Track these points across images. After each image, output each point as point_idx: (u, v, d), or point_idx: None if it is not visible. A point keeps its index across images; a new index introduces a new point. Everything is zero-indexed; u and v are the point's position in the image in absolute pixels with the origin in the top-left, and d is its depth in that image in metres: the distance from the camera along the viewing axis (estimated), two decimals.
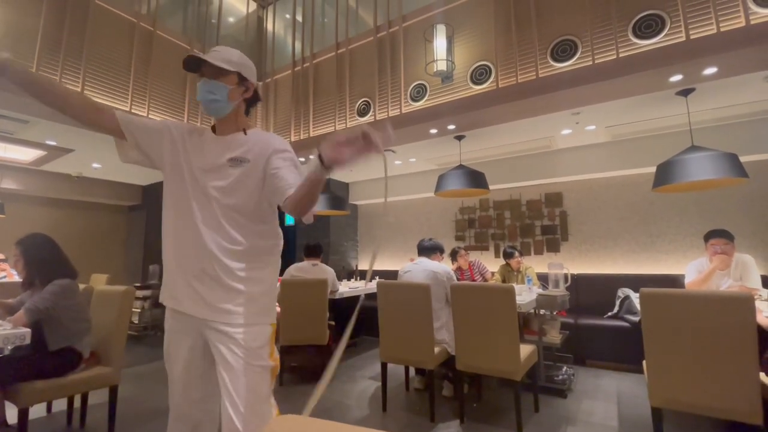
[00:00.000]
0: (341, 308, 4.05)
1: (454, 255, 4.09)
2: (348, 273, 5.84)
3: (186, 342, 1.19)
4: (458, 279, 4.04)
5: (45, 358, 1.94)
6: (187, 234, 1.15)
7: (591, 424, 2.36)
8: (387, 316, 2.68)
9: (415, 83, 3.69)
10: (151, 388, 3.09)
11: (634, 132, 3.91)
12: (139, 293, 5.20)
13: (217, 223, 1.14)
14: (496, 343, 2.28)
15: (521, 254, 3.96)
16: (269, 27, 5.34)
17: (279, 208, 1.20)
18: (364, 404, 2.76)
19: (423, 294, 2.51)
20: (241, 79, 1.20)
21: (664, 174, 2.83)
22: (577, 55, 2.87)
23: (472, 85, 3.34)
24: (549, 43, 3.00)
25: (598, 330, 3.56)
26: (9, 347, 1.83)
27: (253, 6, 5.35)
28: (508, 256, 3.94)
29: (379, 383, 2.72)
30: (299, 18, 5.05)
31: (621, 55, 2.71)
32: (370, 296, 4.56)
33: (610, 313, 3.72)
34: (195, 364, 1.20)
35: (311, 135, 4.49)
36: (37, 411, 2.49)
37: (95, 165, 5.20)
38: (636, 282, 3.76)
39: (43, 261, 2.05)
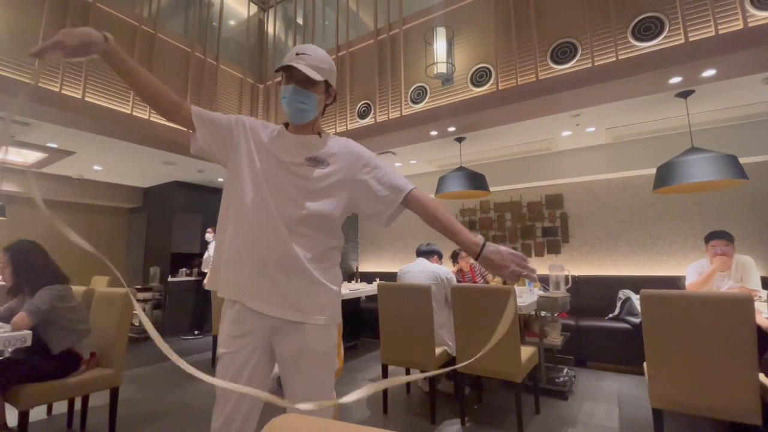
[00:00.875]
0: (342, 310, 4.05)
1: (455, 257, 4.09)
2: (348, 275, 5.84)
3: (253, 344, 1.09)
4: (459, 281, 4.04)
5: (45, 361, 1.94)
6: (265, 232, 1.09)
7: (592, 426, 2.36)
8: (388, 317, 2.68)
9: (416, 85, 3.70)
10: (152, 391, 3.09)
11: (634, 134, 3.92)
12: (140, 295, 5.20)
13: (297, 220, 1.10)
14: (497, 345, 2.27)
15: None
16: (270, 30, 5.36)
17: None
18: (365, 406, 2.75)
19: (424, 295, 2.51)
20: (327, 86, 1.18)
21: (664, 176, 2.83)
22: (577, 57, 2.88)
23: (472, 87, 3.36)
24: (549, 45, 3.01)
25: (599, 331, 3.56)
26: (9, 349, 1.84)
27: (254, 9, 5.37)
28: None
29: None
30: (300, 21, 5.07)
31: (620, 57, 2.72)
32: (371, 298, 4.59)
33: (611, 315, 3.72)
34: (260, 370, 1.11)
35: None
36: (37, 413, 2.49)
37: (96, 167, 5.21)
38: (637, 283, 3.76)
39: (32, 268, 2.02)
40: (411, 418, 2.57)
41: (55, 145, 4.20)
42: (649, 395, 1.82)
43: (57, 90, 3.18)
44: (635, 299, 3.53)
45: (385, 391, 2.66)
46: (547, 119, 3.45)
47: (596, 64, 2.80)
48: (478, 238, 1.08)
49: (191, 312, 5.65)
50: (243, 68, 4.92)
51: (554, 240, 4.65)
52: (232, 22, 5.26)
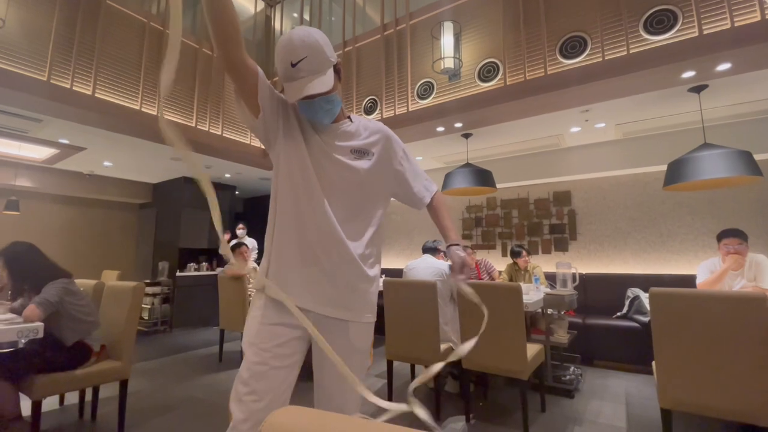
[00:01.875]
0: None
1: None
2: None
3: (296, 344, 1.05)
4: None
5: (57, 352, 1.98)
6: (318, 227, 1.05)
7: (598, 425, 2.34)
8: (393, 313, 2.68)
9: (422, 81, 3.68)
10: (161, 383, 3.13)
11: (645, 129, 3.86)
12: (149, 290, 5.27)
13: (349, 215, 1.08)
14: (502, 342, 2.27)
15: (529, 253, 3.93)
16: (277, 26, 5.36)
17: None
18: (368, 402, 2.76)
19: (429, 292, 2.50)
20: (336, 69, 1.05)
21: (676, 172, 2.78)
22: (587, 52, 2.84)
23: (479, 82, 3.32)
24: (558, 39, 2.97)
25: (607, 330, 3.52)
26: (23, 340, 1.87)
27: (261, 5, 5.37)
28: (515, 255, 3.91)
29: (385, 380, 2.72)
30: (306, 16, 5.06)
31: (632, 51, 2.67)
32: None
33: (619, 314, 3.68)
34: (295, 370, 1.06)
35: None
36: (49, 404, 2.54)
37: (106, 163, 5.28)
38: (646, 282, 3.71)
39: (28, 269, 2.04)
40: (414, 414, 2.57)
41: (66, 141, 4.27)
42: (658, 395, 1.80)
43: (68, 86, 3.22)
44: (644, 298, 3.49)
45: (390, 386, 2.66)
46: (556, 115, 3.40)
47: (607, 58, 2.75)
48: (454, 239, 1.23)
49: (200, 306, 5.72)
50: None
51: (562, 237, 4.61)
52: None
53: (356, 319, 1.09)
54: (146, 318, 5.19)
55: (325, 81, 0.99)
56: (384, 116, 3.91)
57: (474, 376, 2.77)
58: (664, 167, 2.97)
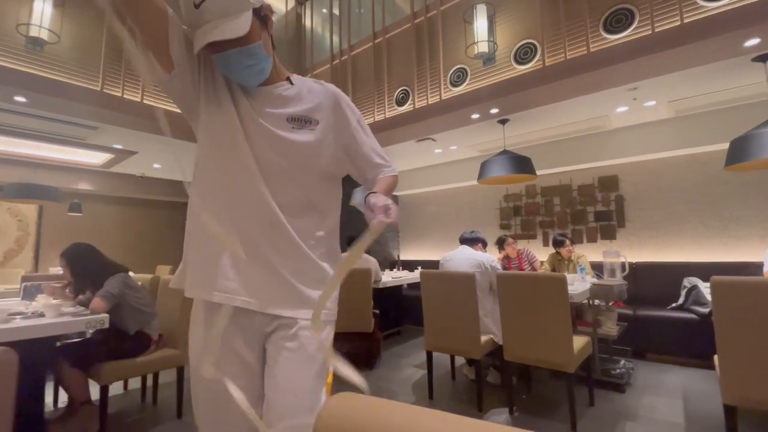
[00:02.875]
0: (384, 297, 4.10)
1: (501, 243, 3.98)
2: (390, 263, 5.88)
3: (245, 350, 0.87)
4: (505, 268, 3.93)
5: (120, 341, 2.15)
6: (256, 215, 0.87)
7: (654, 421, 2.22)
8: (431, 305, 2.67)
9: (455, 67, 3.59)
10: None
11: (701, 106, 3.55)
12: None
13: (292, 199, 0.89)
14: (546, 334, 2.20)
15: (573, 242, 3.76)
16: (307, 23, 5.42)
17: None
18: (410, 391, 2.78)
19: (468, 283, 2.47)
20: (256, 12, 0.83)
21: (739, 150, 2.54)
22: (634, 25, 2.64)
23: (516, 65, 3.19)
24: (601, 14, 2.78)
25: (661, 322, 3.32)
26: (90, 331, 2.05)
27: (291, 4, 5.45)
28: (558, 244, 3.76)
29: (425, 371, 2.73)
30: (336, 11, 5.07)
31: (686, 21, 2.45)
32: (413, 285, 4.59)
33: (674, 304, 3.45)
34: (257, 381, 0.88)
35: None
36: (114, 388, 2.78)
37: (156, 165, 5.62)
38: (705, 270, 3.44)
39: (88, 267, 2.22)
40: (457, 404, 2.56)
41: (120, 146, 4.58)
42: (720, 391, 1.68)
43: (119, 95, 3.44)
44: (703, 287, 3.24)
45: (430, 377, 2.66)
46: (600, 95, 3.20)
47: (657, 30, 2.55)
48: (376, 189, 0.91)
49: None
50: (284, 62, 5.03)
51: (608, 225, 4.37)
52: None
53: (306, 317, 0.87)
54: None
55: (238, 25, 0.77)
56: (416, 107, 3.86)
57: (517, 368, 2.71)
58: (726, 145, 2.73)
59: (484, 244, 3.07)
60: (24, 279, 3.34)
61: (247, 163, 0.86)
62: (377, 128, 4.22)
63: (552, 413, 2.37)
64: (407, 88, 3.97)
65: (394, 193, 6.15)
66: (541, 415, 2.35)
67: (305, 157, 0.91)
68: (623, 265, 2.78)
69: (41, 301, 2.03)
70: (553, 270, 3.82)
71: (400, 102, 4.03)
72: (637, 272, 3.89)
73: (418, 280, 2.78)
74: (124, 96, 3.47)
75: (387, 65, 4.20)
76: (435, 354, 2.69)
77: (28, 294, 2.55)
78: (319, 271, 0.91)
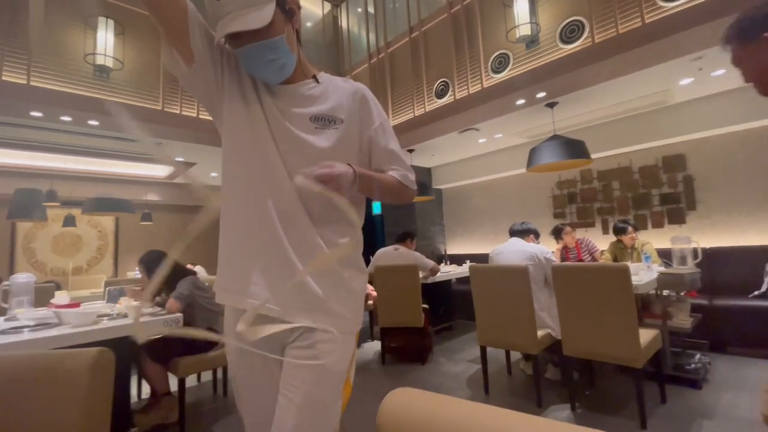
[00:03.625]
0: (434, 292, 4.09)
1: (557, 233, 3.79)
2: (437, 257, 5.85)
3: (264, 360, 0.85)
4: (564, 259, 3.76)
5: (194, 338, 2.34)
6: (283, 214, 0.84)
7: (735, 419, 2.02)
8: (482, 299, 2.63)
9: (496, 54, 3.47)
10: None
11: None
12: None
13: (318, 202, 0.85)
14: (609, 328, 2.08)
15: (636, 229, 3.50)
16: (344, 24, 5.50)
17: None
18: (465, 386, 2.76)
19: (520, 276, 2.40)
20: (280, 4, 0.80)
21: None
22: None
23: (561, 45, 3.02)
24: None
25: (742, 312, 3.00)
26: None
27: (327, 7, 5.56)
28: (619, 231, 3.51)
29: (479, 366, 2.70)
30: (371, 10, 5.10)
31: None
32: (462, 280, 4.53)
33: (756, 292, 3.10)
34: (276, 387, 0.85)
35: (391, 125, 4.55)
36: (189, 381, 3.03)
37: (213, 174, 6.02)
38: None
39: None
40: (514, 399, 2.50)
41: (181, 159, 4.96)
42: None
43: (178, 112, 3.73)
44: None
45: (485, 372, 2.62)
46: (660, 68, 2.94)
47: None
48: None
49: None
50: (323, 66, 5.17)
51: (676, 208, 4.01)
52: (308, 24, 5.53)
53: (326, 327, 0.83)
54: None
55: (260, 16, 0.74)
56: (457, 97, 3.79)
57: (578, 363, 2.59)
58: None
59: (536, 235, 2.95)
60: (107, 284, 3.73)
61: (275, 166, 0.82)
62: (417, 123, 4.20)
63: (619, 410, 2.24)
64: (447, 80, 3.91)
65: (438, 187, 6.06)
66: (606, 412, 2.23)
67: (330, 158, 0.85)
68: (695, 251, 2.54)
69: (124, 304, 2.26)
70: (615, 259, 3.59)
71: (440, 94, 3.97)
72: (711, 259, 3.54)
73: (467, 275, 2.74)
74: (183, 113, 3.76)
75: (425, 58, 4.16)
76: (489, 349, 2.64)
77: (112, 297, 2.85)
78: (341, 281, 0.88)
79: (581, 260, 3.73)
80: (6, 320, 1.98)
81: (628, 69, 2.95)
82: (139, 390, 2.82)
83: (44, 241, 5.85)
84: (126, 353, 2.05)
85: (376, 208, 7.94)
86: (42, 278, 5.59)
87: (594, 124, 4.35)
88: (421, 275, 3.46)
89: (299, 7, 0.87)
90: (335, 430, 0.84)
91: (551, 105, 3.65)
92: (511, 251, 2.74)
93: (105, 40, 3.32)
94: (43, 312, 2.04)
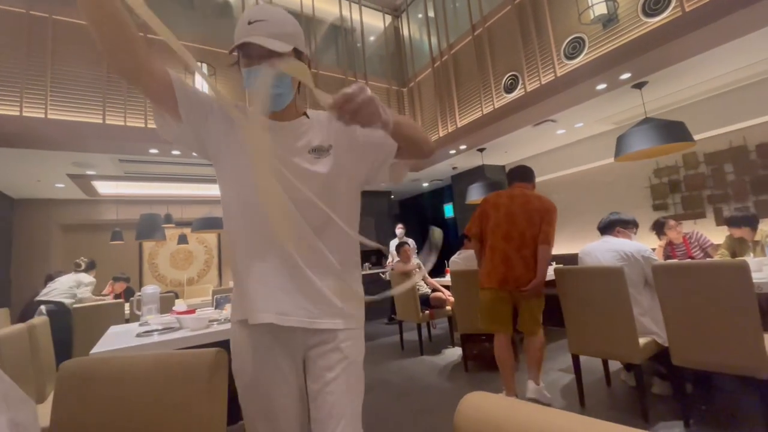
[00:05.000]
0: None
1: (659, 228, 3.37)
2: None
3: (287, 363, 0.96)
4: (670, 257, 3.35)
5: None
6: (293, 237, 0.92)
7: None
8: (571, 304, 2.45)
9: (569, 39, 3.25)
10: None
11: None
12: None
13: (321, 220, 0.93)
14: (726, 333, 1.80)
15: (757, 218, 2.97)
16: (405, 32, 5.60)
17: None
18: (558, 397, 2.59)
19: (615, 278, 2.18)
20: (298, 55, 0.92)
21: None
22: None
23: (645, 19, 2.73)
24: None
25: None
26: None
27: (388, 19, 5.71)
28: (740, 222, 3.01)
29: (572, 375, 2.51)
30: (431, 14, 5.12)
31: None
32: (549, 283, 4.23)
33: None
34: (302, 392, 0.99)
35: (458, 125, 4.49)
36: None
37: None
38: None
39: None
40: (615, 413, 2.28)
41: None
42: None
43: None
44: None
45: (579, 382, 2.43)
46: None
47: None
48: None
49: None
50: (387, 78, 5.31)
51: None
52: (372, 38, 5.73)
53: (345, 326, 0.96)
54: None
55: (281, 46, 0.85)
56: (528, 90, 3.62)
57: (691, 374, 2.27)
58: None
59: (633, 225, 2.56)
60: (215, 292, 4.24)
61: (278, 196, 0.85)
62: (486, 121, 4.09)
63: (744, 428, 1.91)
64: (516, 73, 3.76)
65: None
66: (728, 430, 1.92)
67: (328, 184, 0.95)
68: None
69: (229, 310, 2.56)
70: (733, 255, 3.08)
71: (509, 89, 3.83)
72: None
73: (553, 278, 2.57)
74: None
75: (490, 55, 4.05)
76: (583, 358, 2.45)
77: (219, 304, 3.24)
78: (346, 284, 0.98)
79: (691, 257, 3.26)
80: (140, 325, 2.38)
81: (728, 36, 2.55)
82: None
83: (164, 257, 6.88)
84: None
85: (449, 211, 7.85)
86: (164, 289, 6.56)
87: (694, 101, 3.81)
88: None
89: (311, 65, 1.00)
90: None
91: (639, 86, 3.30)
92: (602, 250, 2.49)
93: (201, 82, 3.83)
94: (167, 318, 2.41)
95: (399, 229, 5.93)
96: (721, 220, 3.84)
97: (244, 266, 0.94)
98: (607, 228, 2.59)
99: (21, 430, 0.57)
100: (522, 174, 2.55)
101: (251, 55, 0.87)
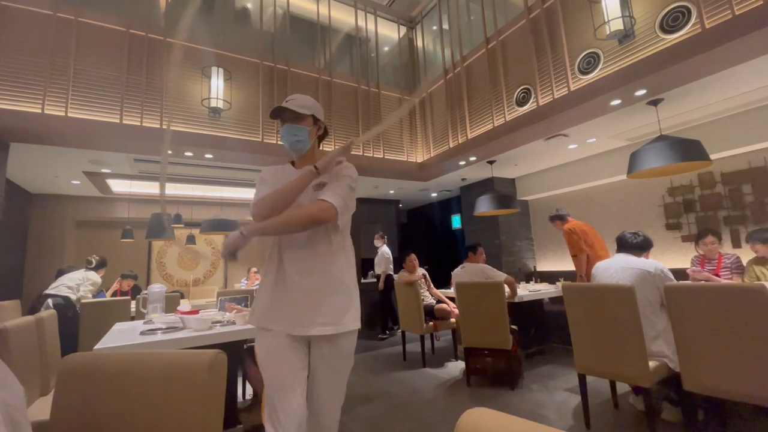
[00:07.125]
0: (523, 312, 3.84)
1: (700, 237, 3.28)
2: (526, 275, 5.49)
3: (297, 354, 1.30)
4: (697, 266, 3.27)
5: None
6: (305, 261, 1.32)
7: None
8: (578, 323, 2.39)
9: (584, 54, 3.23)
10: (361, 376, 3.61)
11: None
12: None
13: (327, 244, 1.33)
14: (742, 360, 1.73)
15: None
16: (419, 44, 5.64)
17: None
18: (562, 417, 2.52)
19: (625, 297, 2.12)
20: (315, 120, 1.43)
21: None
22: None
23: (662, 35, 2.70)
24: None
25: None
26: None
27: (403, 30, 5.77)
28: (761, 241, 2.91)
29: (578, 396, 2.44)
30: (446, 26, 5.15)
31: None
32: (555, 300, 4.18)
33: None
34: (304, 370, 1.32)
35: (469, 137, 4.48)
36: None
37: None
38: None
39: None
40: None
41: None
42: None
43: (274, 142, 4.18)
44: None
45: (585, 404, 2.36)
46: None
47: None
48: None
49: (379, 310, 6.37)
50: (400, 88, 5.36)
51: None
52: (386, 48, 5.79)
53: (341, 330, 1.29)
54: None
55: (301, 110, 1.35)
56: (540, 104, 3.60)
57: (704, 400, 2.19)
58: None
59: (651, 246, 2.51)
60: (219, 294, 4.25)
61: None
62: (497, 133, 4.08)
63: None
64: (528, 87, 3.75)
65: (523, 198, 5.75)
66: None
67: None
68: None
69: (233, 312, 2.56)
70: (759, 279, 2.98)
71: (521, 102, 3.82)
72: None
73: (561, 294, 2.52)
74: (277, 142, 4.20)
75: (503, 68, 4.05)
76: (590, 378, 2.38)
77: (223, 306, 3.25)
78: (345, 297, 1.34)
79: (717, 276, 3.14)
80: (144, 323, 2.38)
81: (749, 54, 2.51)
82: (244, 391, 3.13)
83: (172, 257, 6.94)
84: (233, 356, 2.31)
85: (456, 222, 7.80)
86: (170, 288, 6.60)
87: (712, 120, 3.75)
88: None
89: (326, 130, 1.49)
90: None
91: (655, 102, 3.26)
92: (617, 268, 2.42)
93: (217, 86, 3.90)
94: (171, 317, 2.41)
95: (378, 239, 5.86)
96: (738, 242, 3.74)
97: (265, 286, 1.42)
98: (630, 247, 2.49)
99: (12, 410, 0.59)
100: None
101: (285, 118, 1.39)
